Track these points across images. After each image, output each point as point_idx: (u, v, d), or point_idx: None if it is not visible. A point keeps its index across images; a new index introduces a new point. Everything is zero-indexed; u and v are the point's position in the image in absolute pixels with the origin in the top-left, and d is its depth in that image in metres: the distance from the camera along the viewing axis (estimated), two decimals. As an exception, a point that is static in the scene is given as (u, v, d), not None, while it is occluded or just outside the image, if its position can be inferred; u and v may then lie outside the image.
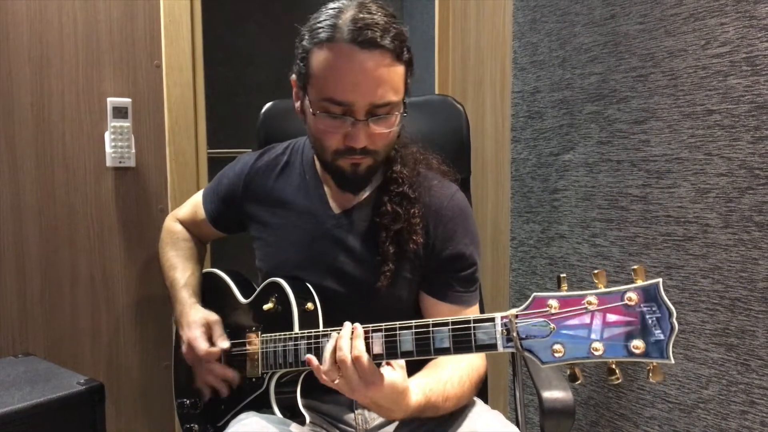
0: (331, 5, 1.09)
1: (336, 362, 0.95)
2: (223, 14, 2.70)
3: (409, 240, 1.17)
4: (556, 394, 1.11)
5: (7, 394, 1.27)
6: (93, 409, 1.35)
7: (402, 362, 0.98)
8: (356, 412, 1.24)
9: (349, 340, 0.95)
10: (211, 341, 1.24)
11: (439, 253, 1.20)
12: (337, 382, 0.96)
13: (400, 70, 1.08)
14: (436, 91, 2.33)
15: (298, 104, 1.18)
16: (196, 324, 1.25)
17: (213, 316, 1.27)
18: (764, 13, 1.29)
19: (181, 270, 1.38)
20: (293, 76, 1.16)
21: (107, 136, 1.74)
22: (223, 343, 1.22)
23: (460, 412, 1.13)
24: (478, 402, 1.19)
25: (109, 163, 1.75)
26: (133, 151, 1.77)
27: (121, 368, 1.82)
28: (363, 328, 0.97)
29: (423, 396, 1.02)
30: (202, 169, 1.91)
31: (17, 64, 1.64)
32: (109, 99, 1.74)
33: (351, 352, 0.94)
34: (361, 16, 1.04)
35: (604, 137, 1.65)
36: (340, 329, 1.00)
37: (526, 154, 1.93)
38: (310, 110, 1.10)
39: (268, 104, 1.61)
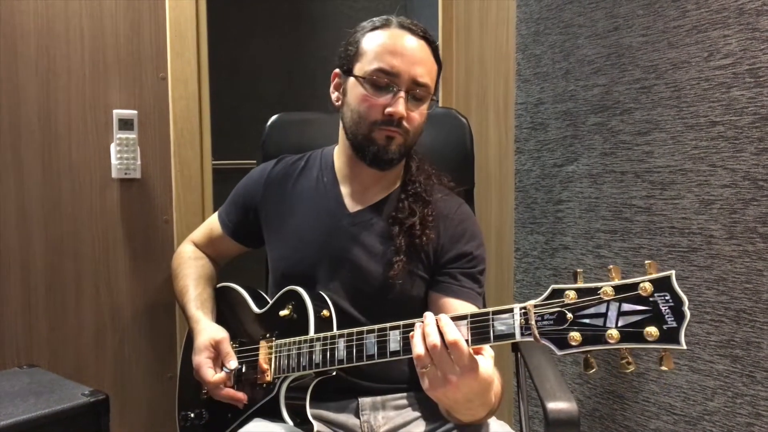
0: (380, 16, 1.27)
1: (427, 349, 0.90)
2: (229, 28, 2.71)
3: (422, 234, 1.24)
4: (560, 405, 1.11)
5: (11, 406, 1.27)
6: (98, 420, 1.35)
7: (491, 351, 0.97)
8: (362, 419, 1.24)
9: (435, 327, 0.91)
10: (220, 361, 1.24)
11: (447, 252, 1.27)
12: (428, 370, 0.91)
13: (435, 65, 1.25)
14: (440, 104, 2.34)
15: (336, 94, 1.30)
16: (200, 349, 1.25)
17: (219, 335, 1.26)
18: (767, 26, 1.29)
19: (192, 287, 1.39)
20: (336, 69, 1.29)
21: (113, 147, 1.75)
22: (231, 363, 1.22)
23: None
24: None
25: (114, 174, 1.76)
26: (139, 162, 1.78)
27: (125, 379, 1.82)
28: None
29: (493, 393, 1.00)
30: (207, 181, 1.92)
31: (24, 77, 1.65)
32: (115, 111, 1.75)
33: (446, 338, 0.89)
34: (407, 20, 1.24)
35: (607, 148, 1.66)
36: (356, 330, 1.05)
37: (530, 166, 1.93)
38: (358, 82, 1.21)
39: (274, 117, 1.62)
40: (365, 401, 1.25)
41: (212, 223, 1.48)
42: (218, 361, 1.24)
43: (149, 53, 1.80)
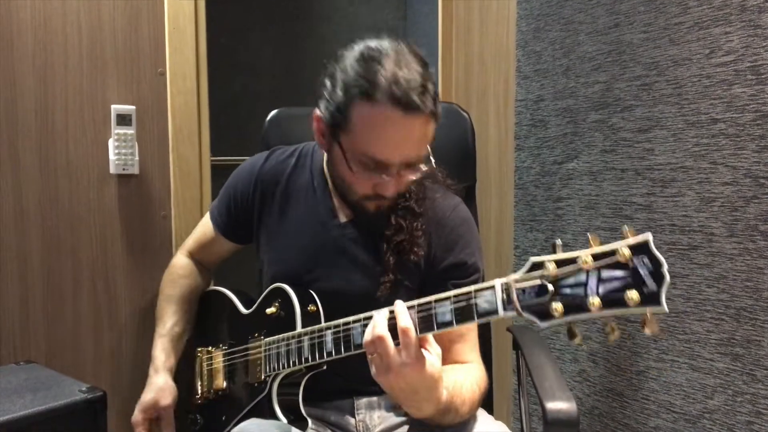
0: (367, 52, 1.07)
1: (372, 340, 0.93)
2: (228, 23, 2.71)
3: (410, 251, 1.20)
4: (559, 404, 1.10)
5: (8, 402, 1.27)
6: (95, 417, 1.34)
7: (439, 350, 0.96)
8: (357, 418, 1.24)
9: (385, 320, 0.94)
10: (159, 424, 1.29)
11: (439, 263, 1.22)
12: (374, 356, 0.93)
13: (433, 125, 1.11)
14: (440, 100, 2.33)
15: (321, 139, 1.18)
16: (143, 407, 1.29)
17: (166, 400, 1.29)
18: (769, 22, 1.29)
19: (169, 316, 1.40)
20: (318, 113, 1.15)
21: (111, 143, 1.74)
22: None
23: (464, 422, 1.12)
24: (482, 412, 1.19)
25: (112, 170, 1.75)
26: (137, 158, 1.77)
27: (122, 376, 1.81)
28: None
29: (448, 394, 1.00)
30: (205, 177, 1.91)
31: (21, 72, 1.65)
32: (113, 106, 1.74)
33: (400, 324, 0.91)
34: (401, 74, 1.03)
35: (608, 146, 1.65)
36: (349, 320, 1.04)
37: (530, 163, 1.92)
38: (344, 158, 1.11)
39: (272, 112, 1.61)
40: (361, 401, 1.25)
41: (205, 225, 1.45)
42: (157, 423, 1.29)
43: (147, 48, 1.79)
